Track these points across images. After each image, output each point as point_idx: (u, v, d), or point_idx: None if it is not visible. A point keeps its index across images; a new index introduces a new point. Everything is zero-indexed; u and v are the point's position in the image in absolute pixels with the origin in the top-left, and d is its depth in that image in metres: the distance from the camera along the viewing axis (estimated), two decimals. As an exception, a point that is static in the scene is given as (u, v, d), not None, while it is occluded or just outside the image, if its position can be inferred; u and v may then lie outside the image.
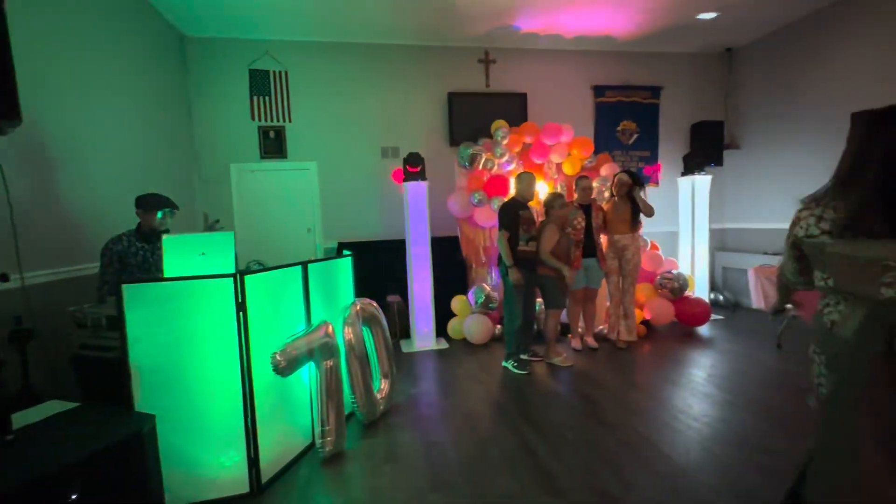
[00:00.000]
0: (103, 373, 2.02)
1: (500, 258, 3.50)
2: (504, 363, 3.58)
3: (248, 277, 1.96)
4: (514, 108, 5.21)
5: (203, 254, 2.06)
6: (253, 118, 4.80)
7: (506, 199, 3.60)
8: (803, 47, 4.80)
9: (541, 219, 3.70)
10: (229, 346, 1.94)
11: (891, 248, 1.06)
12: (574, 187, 3.98)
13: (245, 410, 1.98)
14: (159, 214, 2.64)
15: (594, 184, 4.27)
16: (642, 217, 3.96)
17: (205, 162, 4.78)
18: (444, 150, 5.19)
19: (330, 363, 2.29)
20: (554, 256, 3.48)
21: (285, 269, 2.25)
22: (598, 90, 5.52)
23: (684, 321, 4.46)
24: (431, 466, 2.20)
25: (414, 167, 4.22)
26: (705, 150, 5.23)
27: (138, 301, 1.82)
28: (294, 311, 2.32)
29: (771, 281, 4.04)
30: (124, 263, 2.54)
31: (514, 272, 3.34)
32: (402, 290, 4.48)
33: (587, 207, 3.84)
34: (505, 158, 4.56)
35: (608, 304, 4.14)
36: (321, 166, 4.99)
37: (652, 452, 2.24)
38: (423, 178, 4.27)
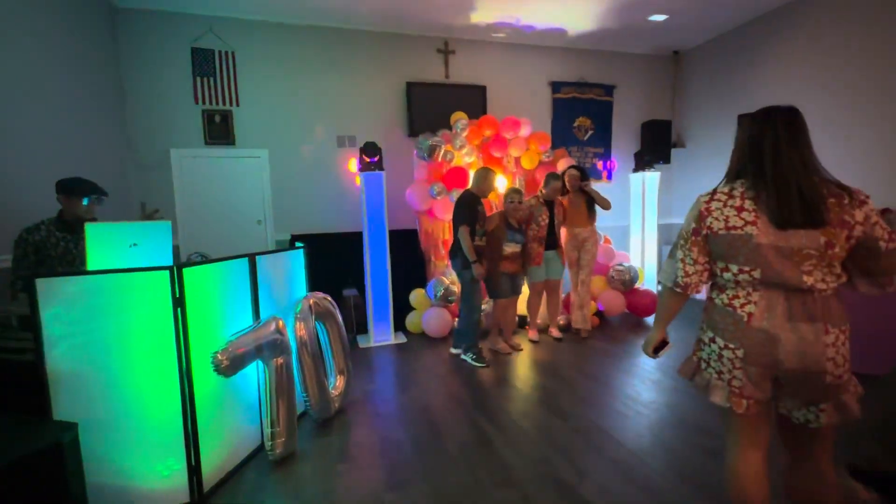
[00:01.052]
0: (15, 378, 1.80)
1: (455, 251, 3.47)
2: (463, 356, 3.57)
3: (186, 270, 1.80)
4: (474, 101, 5.19)
5: (134, 245, 1.88)
6: (196, 101, 4.47)
7: (462, 192, 3.58)
8: (744, 53, 5.10)
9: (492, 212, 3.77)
10: (166, 345, 1.78)
11: (811, 237, 1.12)
12: (543, 184, 4.00)
13: (185, 415, 1.83)
14: (85, 201, 2.38)
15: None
16: (598, 210, 4.08)
17: (141, 147, 4.41)
18: (403, 141, 5.09)
19: (280, 361, 2.17)
20: (485, 250, 3.51)
21: (230, 261, 2.10)
22: (555, 86, 5.61)
23: (635, 312, 4.66)
24: (387, 464, 2.15)
25: (371, 157, 4.10)
26: (655, 148, 5.45)
27: (56, 297, 1.62)
28: (240, 307, 2.17)
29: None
30: (43, 255, 2.28)
31: (478, 267, 3.34)
32: (359, 283, 4.36)
33: (550, 203, 3.92)
34: (465, 150, 4.53)
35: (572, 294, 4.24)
36: (273, 154, 4.74)
37: (604, 439, 2.30)
38: (381, 169, 4.16)
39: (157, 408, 1.80)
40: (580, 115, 5.71)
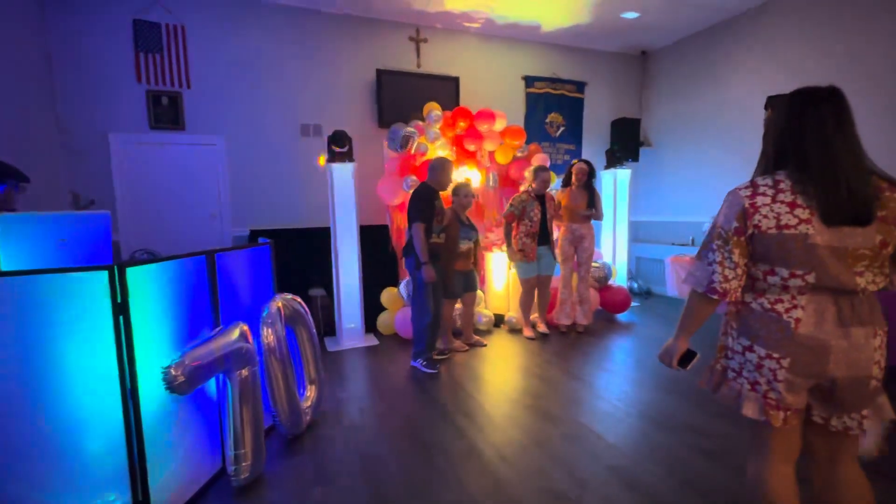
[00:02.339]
0: None
1: (409, 250, 3.26)
2: (413, 362, 3.36)
3: (130, 270, 1.50)
4: (447, 92, 5.01)
5: (63, 240, 1.55)
6: (139, 80, 4.00)
7: (418, 185, 3.33)
8: (709, 56, 5.23)
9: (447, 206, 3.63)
10: (104, 359, 1.48)
11: (867, 235, 1.02)
12: (532, 177, 3.91)
13: (129, 440, 1.53)
14: (0, 188, 1.99)
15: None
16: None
17: (73, 129, 3.88)
18: (372, 131, 4.82)
19: (245, 372, 1.90)
20: (443, 247, 3.36)
21: (184, 259, 1.80)
22: (529, 80, 5.53)
23: (608, 308, 4.66)
24: (370, 484, 1.93)
25: (340, 147, 3.82)
26: (624, 147, 5.50)
27: (-45, 305, 1.29)
28: (198, 313, 1.88)
29: (679, 265, 4.35)
30: (-57, 253, 1.87)
31: (429, 270, 3.12)
32: (327, 282, 4.07)
33: (541, 198, 3.85)
34: (438, 143, 4.34)
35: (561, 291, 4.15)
36: (230, 142, 4.34)
37: (599, 445, 2.20)
38: (351, 160, 3.89)
39: (93, 434, 1.50)
40: (553, 110, 5.67)
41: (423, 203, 3.16)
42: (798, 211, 1.05)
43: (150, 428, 1.59)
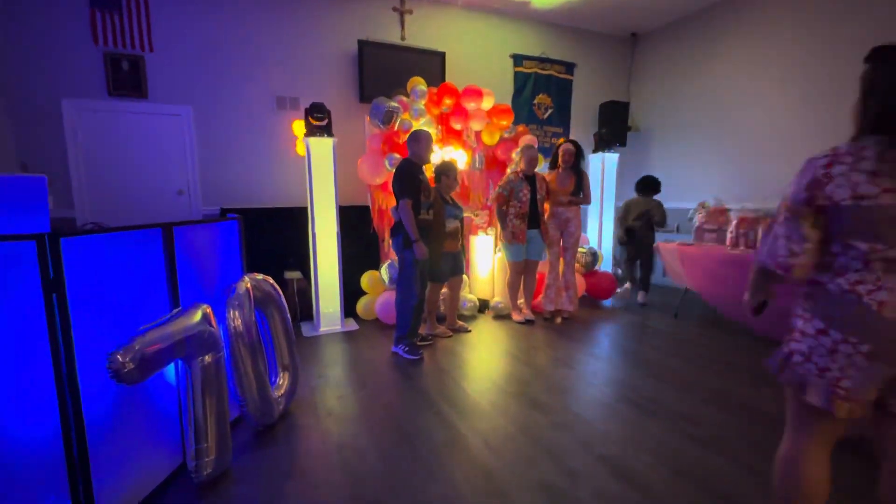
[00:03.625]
0: None
1: (397, 229, 3.08)
2: (394, 347, 3.20)
3: (66, 241, 1.29)
4: (432, 68, 4.78)
5: (-15, 204, 1.32)
6: (96, 41, 3.65)
7: (401, 161, 3.14)
8: (699, 39, 5.13)
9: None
10: (34, 344, 1.27)
11: None
12: (520, 158, 3.78)
13: (68, 438, 1.34)
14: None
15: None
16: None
17: (19, 94, 3.52)
18: (353, 107, 4.57)
19: (208, 359, 1.71)
20: (430, 226, 3.19)
21: (133, 231, 1.58)
22: (517, 59, 5.33)
23: (594, 294, 4.59)
24: (349, 478, 1.79)
25: (319, 120, 3.58)
26: (612, 130, 5.38)
27: None
28: (152, 293, 1.67)
29: (669, 251, 4.30)
30: None
31: (421, 247, 2.97)
32: (303, 265, 3.86)
33: (532, 178, 3.71)
34: (423, 120, 4.13)
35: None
36: (198, 113, 4.03)
37: (588, 433, 2.10)
38: (331, 135, 3.66)
39: (24, 431, 1.30)
40: (541, 91, 5.50)
41: (408, 178, 2.98)
42: (881, 180, 0.93)
43: (96, 421, 1.40)
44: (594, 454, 1.93)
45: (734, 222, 3.92)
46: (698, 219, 4.21)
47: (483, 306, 4.25)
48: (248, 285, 2.09)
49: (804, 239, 1.03)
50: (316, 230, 3.64)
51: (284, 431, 2.14)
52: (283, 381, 2.28)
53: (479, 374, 2.86)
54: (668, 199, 5.55)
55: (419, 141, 3.10)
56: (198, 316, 1.70)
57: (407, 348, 3.13)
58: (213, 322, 1.77)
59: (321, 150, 3.60)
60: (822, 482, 1.12)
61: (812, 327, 1.06)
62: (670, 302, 4.49)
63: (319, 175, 3.62)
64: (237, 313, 1.98)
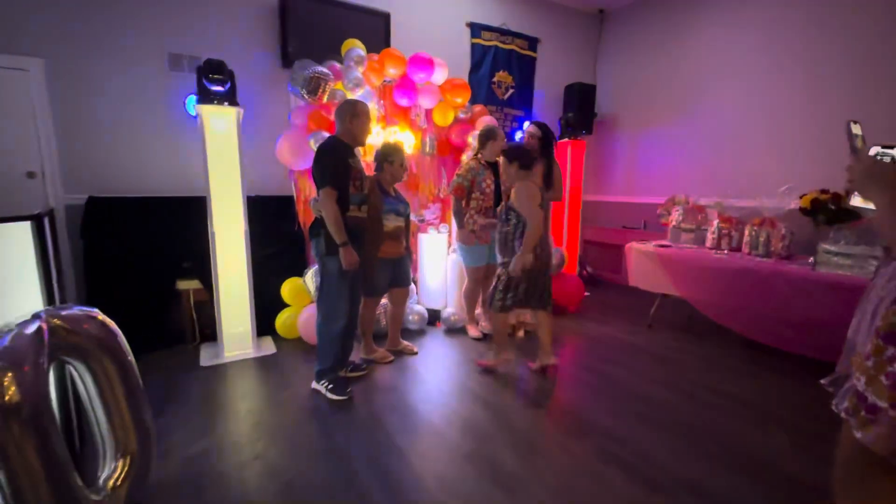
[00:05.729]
0: None
1: (315, 227, 2.34)
2: (315, 384, 2.47)
3: None
4: (373, 30, 3.99)
5: None
6: None
7: (325, 140, 2.38)
8: (670, 19, 4.67)
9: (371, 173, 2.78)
10: None
11: None
12: (480, 143, 3.13)
13: None
14: None
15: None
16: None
17: None
18: (275, 73, 3.71)
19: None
20: (363, 226, 2.49)
21: None
22: (475, 29, 4.64)
23: (557, 301, 4.05)
24: None
25: (218, 83, 2.72)
26: (578, 116, 4.84)
27: None
28: None
29: (644, 253, 3.83)
30: None
31: (349, 253, 2.24)
32: (203, 271, 3.01)
33: (495, 166, 3.06)
34: (360, 92, 3.36)
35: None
36: (55, 68, 3.02)
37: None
38: (234, 103, 2.82)
39: None
40: (501, 68, 4.85)
41: (332, 161, 2.24)
42: None
43: None
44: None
45: (715, 221, 3.49)
46: (672, 216, 3.77)
47: (433, 318, 3.59)
48: (45, 328, 1.29)
49: None
50: (214, 227, 2.80)
51: (115, 552, 1.38)
52: (119, 471, 1.49)
53: (424, 422, 2.20)
54: (637, 193, 5.13)
55: (355, 115, 2.34)
56: None
57: (331, 386, 2.41)
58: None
59: (221, 122, 2.75)
60: None
61: None
62: (636, 307, 4.04)
63: (219, 155, 2.77)
64: (13, 377, 1.18)
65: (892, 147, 0.90)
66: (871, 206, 0.87)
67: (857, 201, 0.92)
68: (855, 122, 0.96)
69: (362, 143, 2.45)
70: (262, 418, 2.18)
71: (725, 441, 2.00)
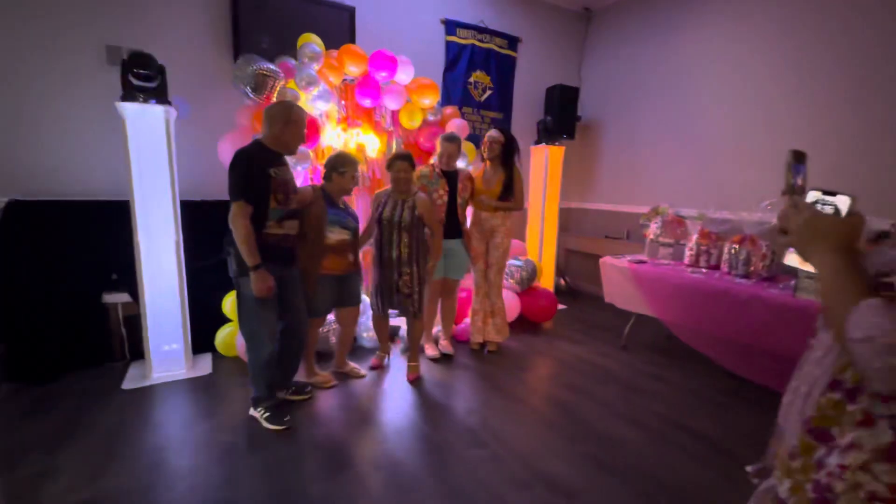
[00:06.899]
0: None
1: (229, 242, 2.05)
2: (252, 411, 2.25)
3: None
4: (336, 25, 3.73)
5: None
6: None
7: (244, 146, 2.07)
8: (664, 18, 4.41)
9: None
10: None
11: None
12: (436, 148, 2.91)
13: None
14: None
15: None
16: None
17: None
18: (225, 70, 3.44)
19: None
20: (294, 241, 2.24)
21: None
22: (450, 26, 4.39)
23: (531, 316, 3.81)
24: None
25: (145, 79, 2.47)
26: (560, 119, 4.60)
27: None
28: None
29: (617, 269, 3.59)
30: None
31: (260, 278, 1.98)
32: (134, 283, 2.76)
33: (451, 175, 2.84)
34: (315, 91, 3.11)
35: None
36: (-26, 60, 2.76)
37: None
38: (166, 101, 2.56)
39: None
40: (478, 68, 4.60)
41: (247, 170, 1.98)
42: None
43: None
44: None
45: (693, 236, 3.25)
46: (651, 228, 3.53)
47: (391, 334, 3.33)
48: None
49: None
50: (141, 235, 2.55)
51: None
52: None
53: (367, 457, 1.95)
54: (620, 201, 4.89)
55: (289, 122, 2.08)
56: None
57: (267, 414, 2.17)
58: None
59: (147, 122, 2.49)
60: None
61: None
62: (612, 324, 3.80)
63: (147, 158, 2.52)
64: None
65: (833, 194, 0.65)
66: (809, 267, 0.64)
67: (791, 260, 0.68)
68: (799, 153, 0.68)
69: (293, 153, 2.20)
70: (167, 458, 1.92)
71: (688, 498, 1.76)
